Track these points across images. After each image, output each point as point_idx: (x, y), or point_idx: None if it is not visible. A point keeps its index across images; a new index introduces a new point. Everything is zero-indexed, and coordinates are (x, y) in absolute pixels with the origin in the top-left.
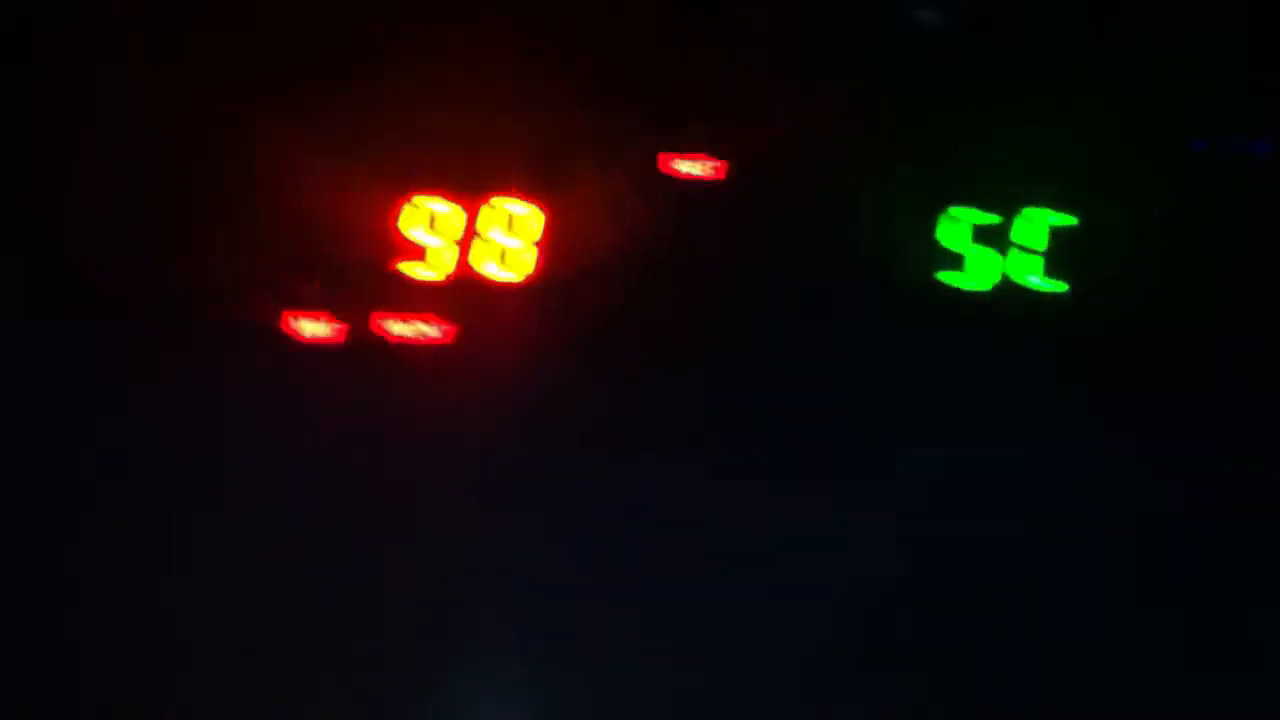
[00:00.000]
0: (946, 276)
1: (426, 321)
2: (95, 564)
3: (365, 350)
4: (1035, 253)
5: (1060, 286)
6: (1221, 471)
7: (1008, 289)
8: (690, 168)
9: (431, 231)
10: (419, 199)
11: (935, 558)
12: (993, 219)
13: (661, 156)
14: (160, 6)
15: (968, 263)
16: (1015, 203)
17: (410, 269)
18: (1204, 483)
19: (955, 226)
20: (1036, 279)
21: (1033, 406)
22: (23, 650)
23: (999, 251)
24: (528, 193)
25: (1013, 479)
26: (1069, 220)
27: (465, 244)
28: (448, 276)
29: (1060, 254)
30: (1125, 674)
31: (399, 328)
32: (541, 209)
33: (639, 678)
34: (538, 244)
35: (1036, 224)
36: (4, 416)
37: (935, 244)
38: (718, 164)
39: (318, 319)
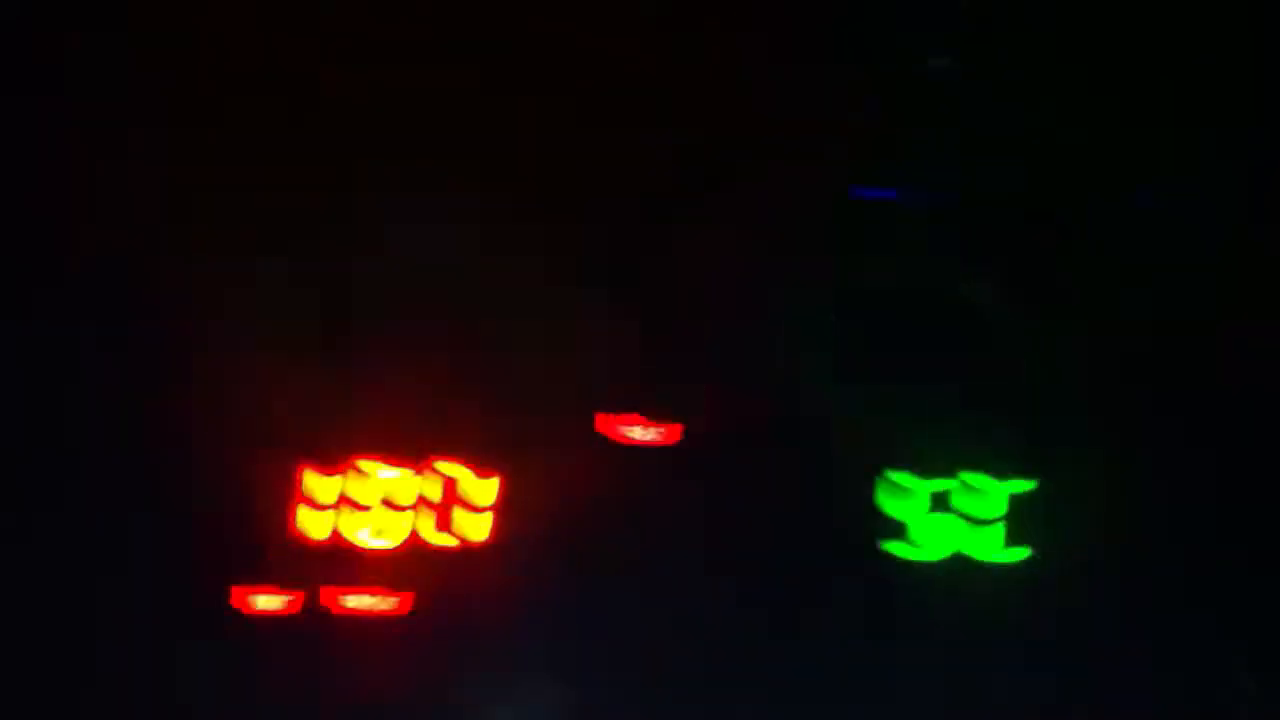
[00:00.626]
0: (893, 546)
1: (377, 593)
2: None
3: (317, 623)
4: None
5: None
6: None
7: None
8: (640, 434)
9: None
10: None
11: None
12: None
13: (611, 422)
14: None
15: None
16: (957, 467)
17: (360, 539)
18: None
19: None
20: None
21: None
22: None
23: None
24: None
25: None
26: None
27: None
28: (398, 546)
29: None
30: None
31: (350, 600)
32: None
33: None
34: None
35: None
36: None
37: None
38: (668, 429)
39: (268, 593)
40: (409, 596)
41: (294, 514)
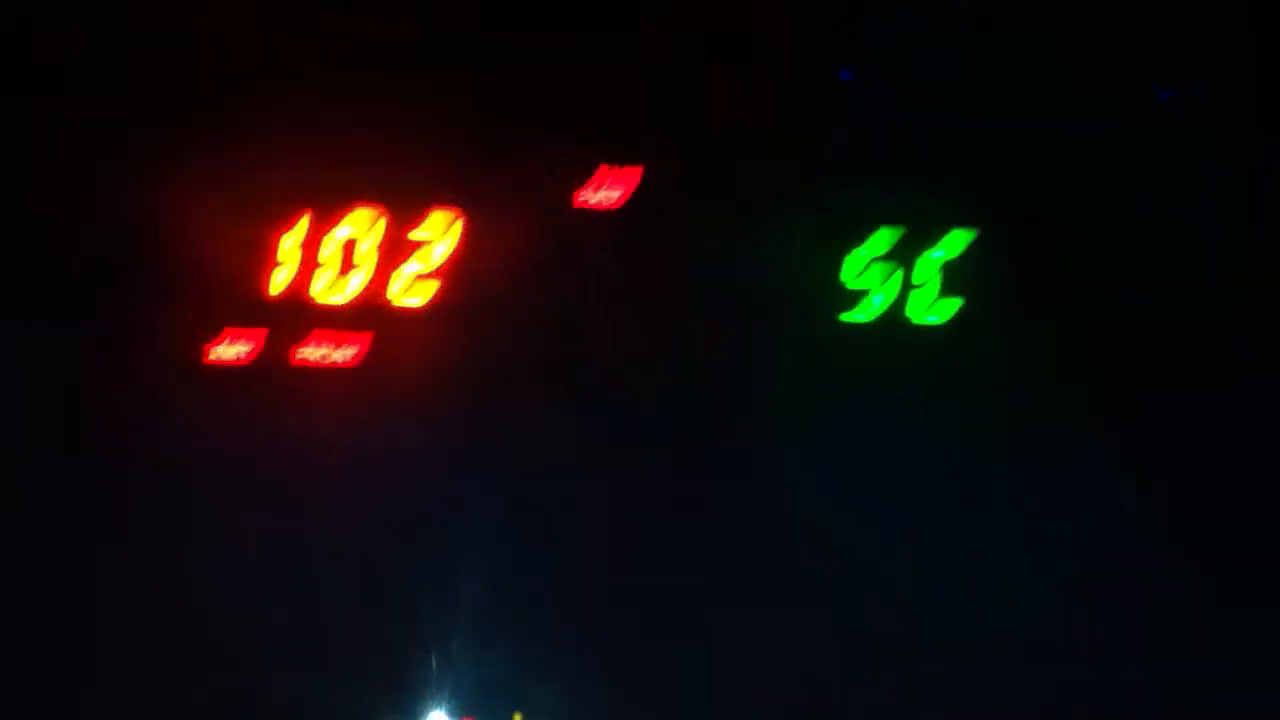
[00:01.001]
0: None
1: (334, 344)
2: None
3: (276, 374)
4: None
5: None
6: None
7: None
8: (596, 196)
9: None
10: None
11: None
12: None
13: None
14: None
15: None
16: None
17: (321, 292)
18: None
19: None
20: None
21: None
22: None
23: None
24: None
25: None
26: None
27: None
28: (354, 300)
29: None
30: None
31: (308, 351)
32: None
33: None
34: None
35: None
36: None
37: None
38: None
39: (233, 343)
40: (363, 349)
41: (261, 268)
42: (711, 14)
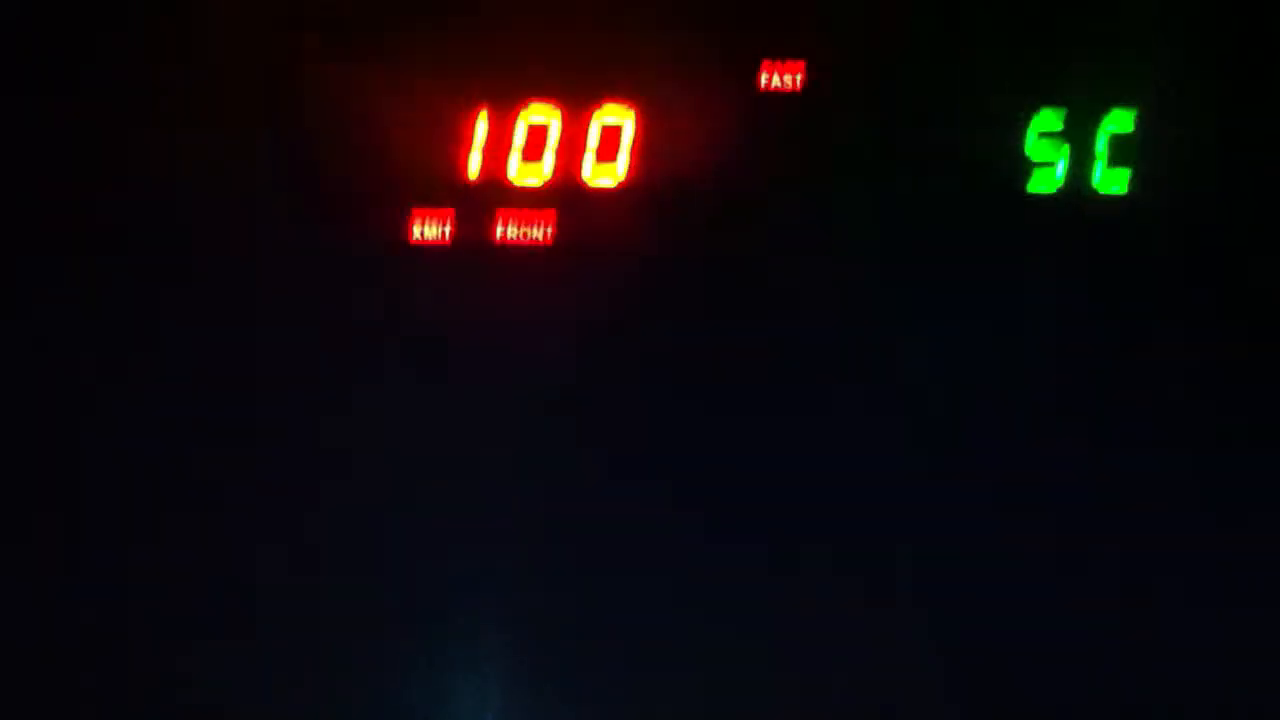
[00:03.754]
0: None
1: (531, 223)
2: None
3: (475, 249)
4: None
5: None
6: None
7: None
8: (778, 80)
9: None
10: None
11: None
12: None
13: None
14: None
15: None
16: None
17: (517, 174)
18: None
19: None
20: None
21: None
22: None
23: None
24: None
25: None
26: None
27: (565, 150)
28: (547, 182)
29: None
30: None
31: (506, 229)
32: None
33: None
34: (633, 150)
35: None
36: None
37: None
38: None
39: (434, 219)
40: (557, 230)
41: (460, 153)
42: None
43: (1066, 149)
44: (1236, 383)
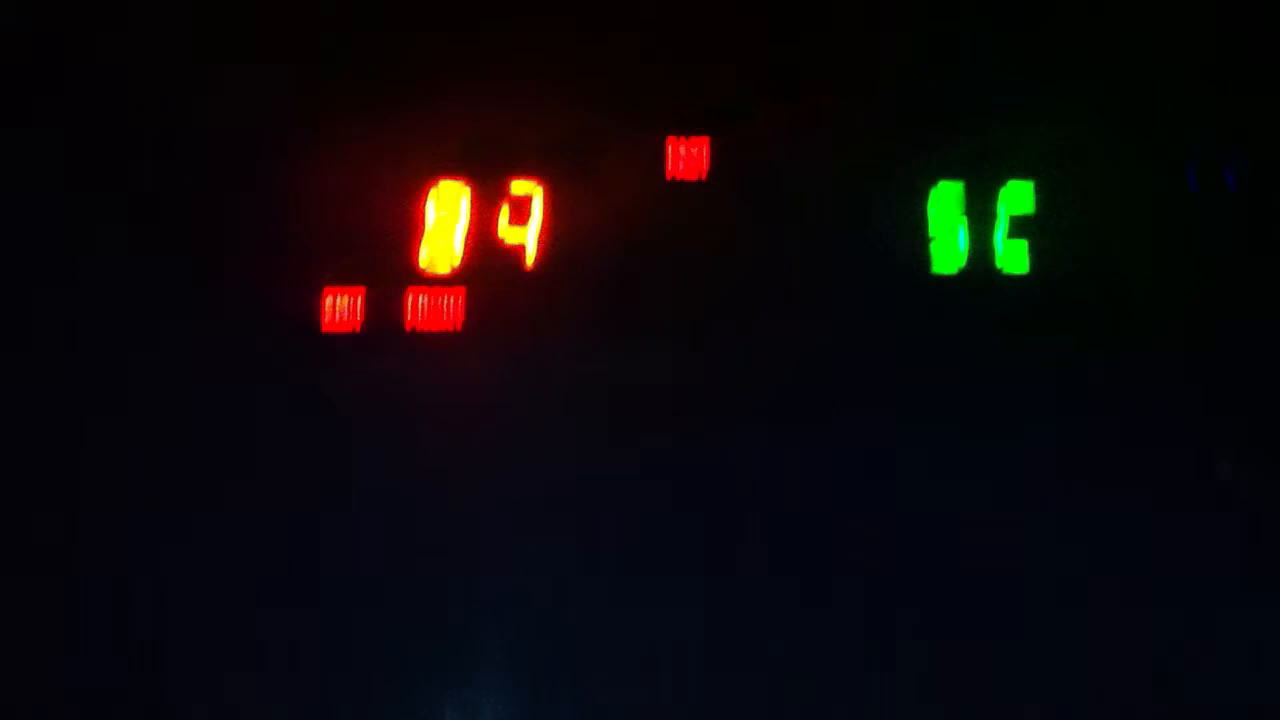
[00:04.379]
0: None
1: (440, 299)
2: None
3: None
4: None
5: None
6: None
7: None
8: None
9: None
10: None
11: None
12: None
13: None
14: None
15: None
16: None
17: (426, 251)
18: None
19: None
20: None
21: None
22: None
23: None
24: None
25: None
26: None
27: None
28: (459, 262)
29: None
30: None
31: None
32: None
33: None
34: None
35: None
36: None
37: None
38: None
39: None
40: (464, 314)
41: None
42: None
43: (965, 222)
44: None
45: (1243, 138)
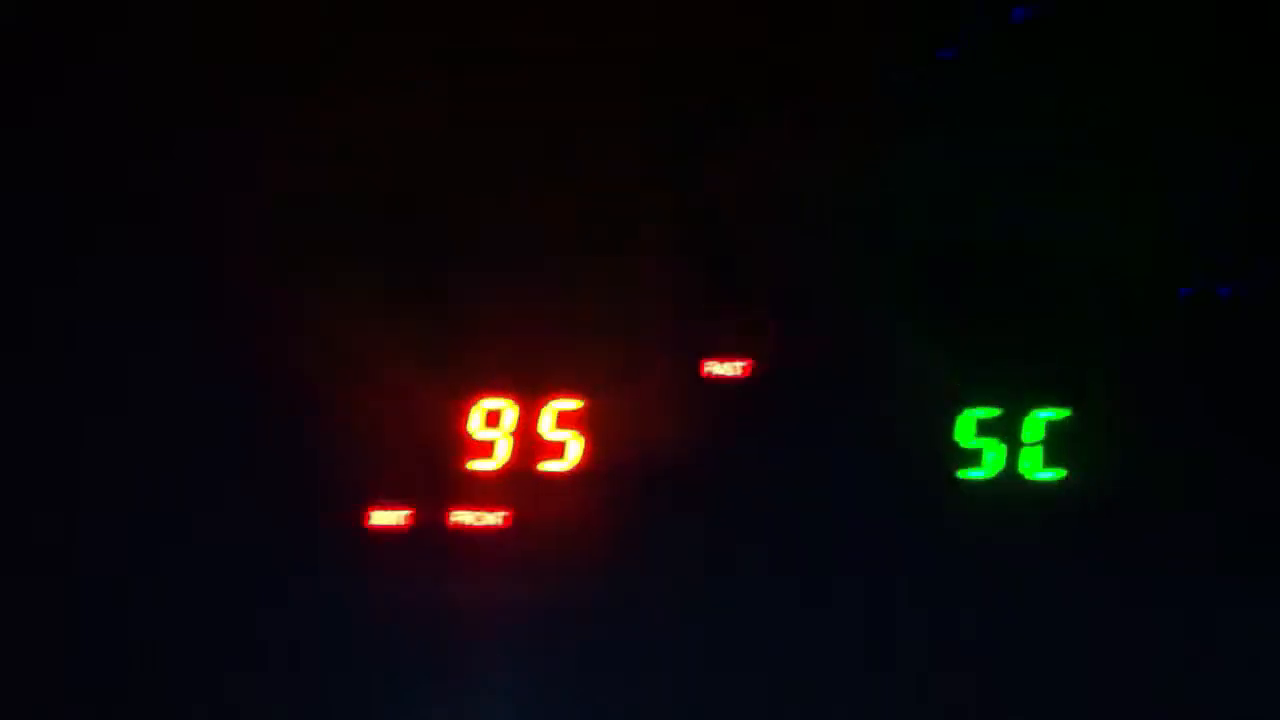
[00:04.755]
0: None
1: (487, 510)
2: None
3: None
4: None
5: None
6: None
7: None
8: (721, 369)
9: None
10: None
11: None
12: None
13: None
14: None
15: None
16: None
17: (474, 463)
18: None
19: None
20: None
21: None
22: None
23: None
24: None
25: None
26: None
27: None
28: (504, 467)
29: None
30: None
31: (462, 515)
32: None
33: None
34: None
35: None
36: None
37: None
38: (745, 365)
39: (393, 510)
40: (511, 514)
41: (421, 444)
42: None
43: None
44: None
45: None
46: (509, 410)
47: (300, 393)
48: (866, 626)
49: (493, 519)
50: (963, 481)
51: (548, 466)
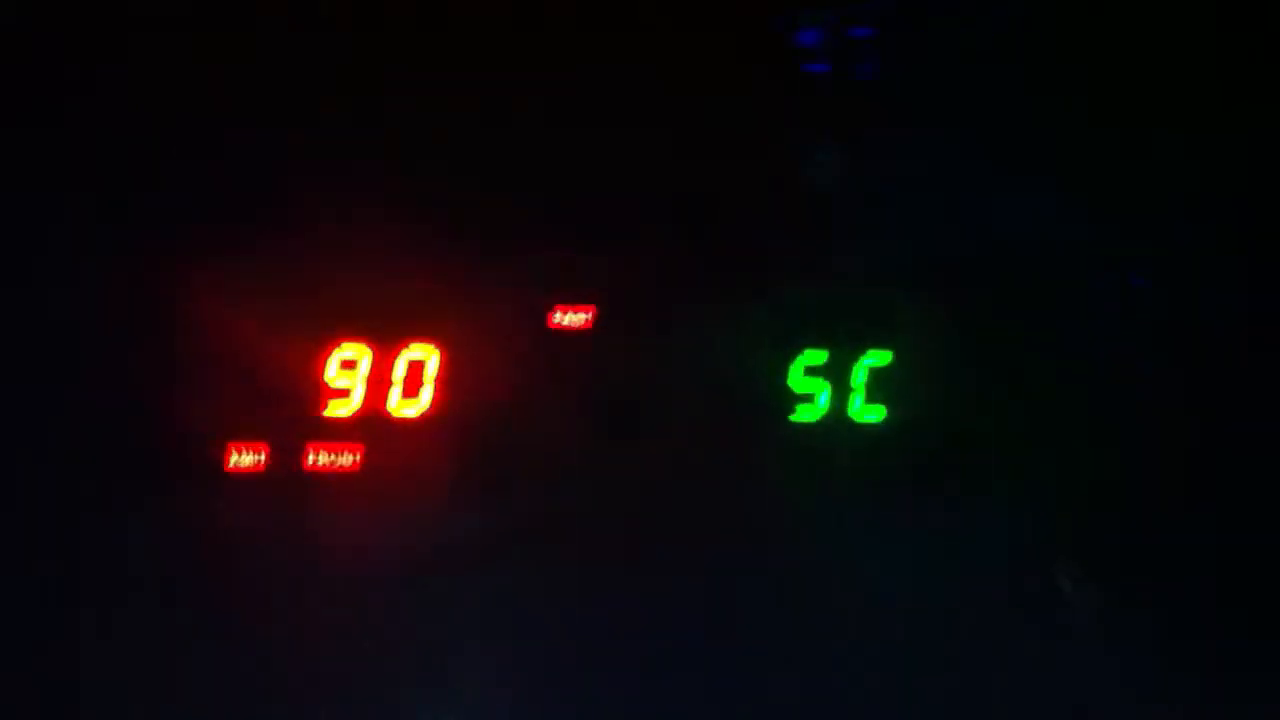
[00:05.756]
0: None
1: (339, 451)
2: None
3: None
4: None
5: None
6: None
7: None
8: (567, 319)
9: (346, 374)
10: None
11: None
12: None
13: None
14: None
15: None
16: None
17: (328, 407)
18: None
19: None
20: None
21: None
22: None
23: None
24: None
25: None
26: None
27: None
28: (356, 413)
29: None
30: None
31: (316, 457)
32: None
33: None
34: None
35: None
36: None
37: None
38: (590, 315)
39: (249, 451)
40: (363, 457)
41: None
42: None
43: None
44: None
45: None
46: (364, 357)
47: (161, 338)
48: (709, 564)
49: (346, 461)
50: (795, 424)
51: (400, 412)
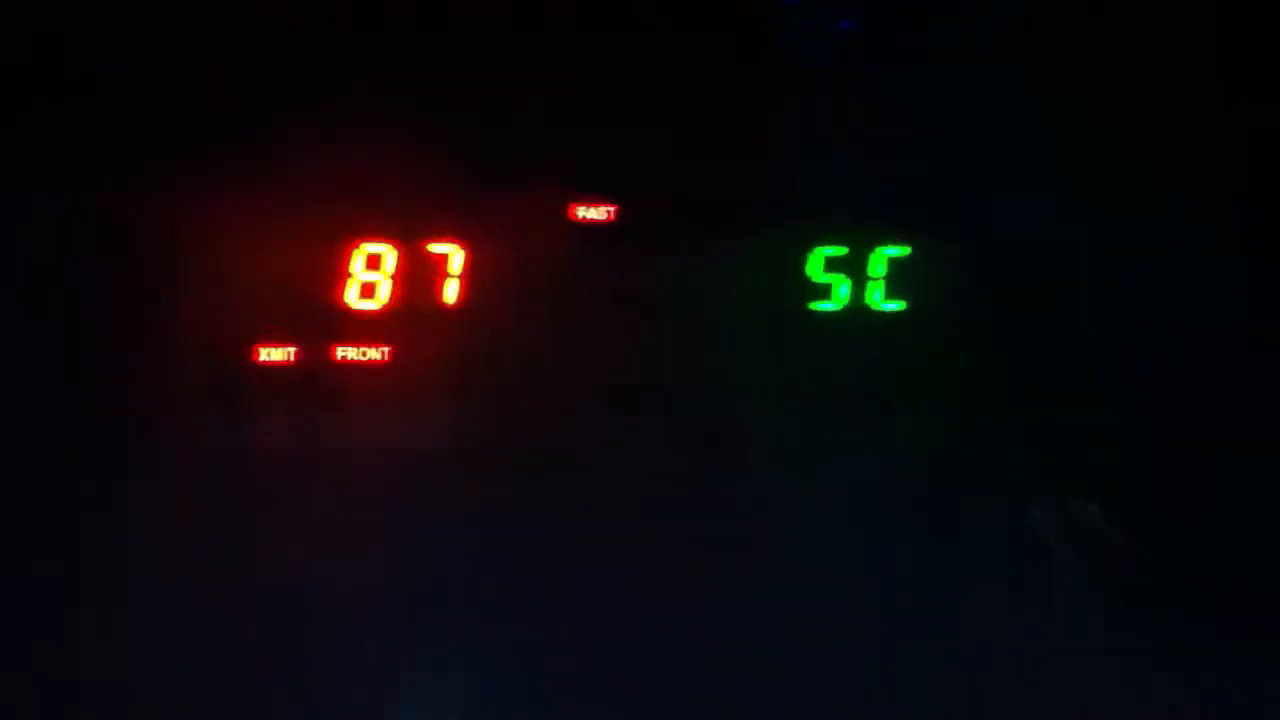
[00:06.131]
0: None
1: (369, 345)
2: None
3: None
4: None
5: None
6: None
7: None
8: (588, 212)
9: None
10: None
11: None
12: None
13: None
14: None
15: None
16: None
17: (356, 302)
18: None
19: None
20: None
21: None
22: None
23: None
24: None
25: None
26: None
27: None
28: (384, 307)
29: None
30: None
31: (346, 350)
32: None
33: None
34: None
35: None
36: None
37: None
38: (611, 209)
39: (280, 346)
40: (392, 350)
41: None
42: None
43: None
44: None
45: None
46: (389, 254)
47: (192, 238)
48: (725, 442)
49: (375, 354)
50: (815, 313)
51: (426, 306)
